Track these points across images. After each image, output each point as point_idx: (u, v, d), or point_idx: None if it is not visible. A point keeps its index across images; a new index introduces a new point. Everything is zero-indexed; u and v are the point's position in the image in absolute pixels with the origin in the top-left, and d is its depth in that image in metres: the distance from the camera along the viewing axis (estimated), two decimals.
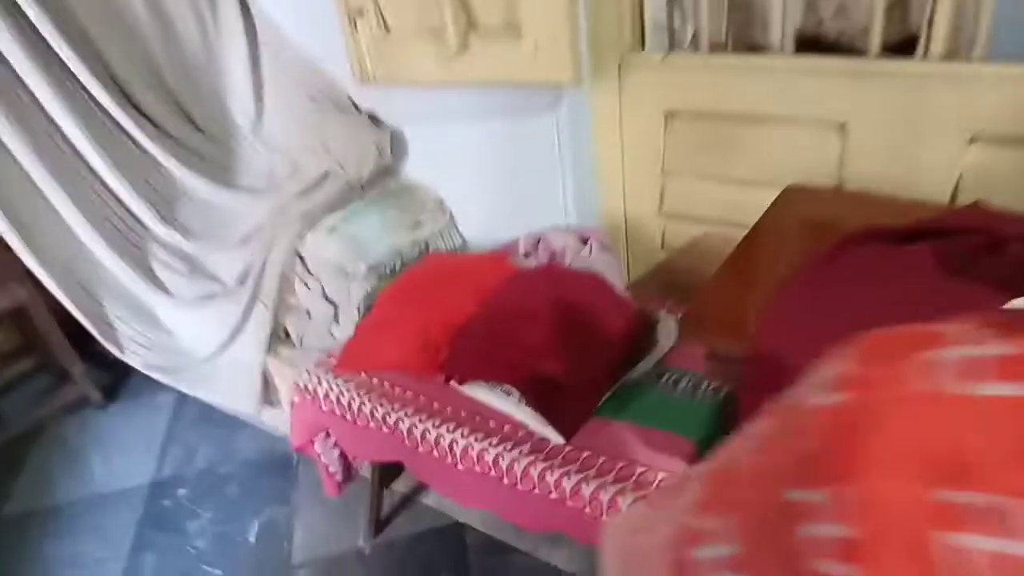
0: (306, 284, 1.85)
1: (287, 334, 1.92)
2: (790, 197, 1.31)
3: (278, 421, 2.02)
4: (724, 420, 1.26)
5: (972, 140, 1.30)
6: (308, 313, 1.86)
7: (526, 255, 1.73)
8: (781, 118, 1.47)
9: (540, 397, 1.22)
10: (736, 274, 1.10)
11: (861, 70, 1.35)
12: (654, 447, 1.22)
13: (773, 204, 1.29)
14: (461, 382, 1.35)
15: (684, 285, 1.74)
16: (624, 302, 1.41)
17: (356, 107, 1.95)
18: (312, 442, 1.62)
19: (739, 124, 1.53)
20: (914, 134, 1.35)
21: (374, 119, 1.96)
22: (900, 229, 1.09)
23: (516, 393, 1.28)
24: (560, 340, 1.25)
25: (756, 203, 1.55)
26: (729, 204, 1.61)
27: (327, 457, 1.63)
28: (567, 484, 1.19)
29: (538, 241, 1.73)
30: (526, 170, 1.79)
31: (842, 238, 1.08)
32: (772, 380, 0.96)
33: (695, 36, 1.56)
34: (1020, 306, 0.46)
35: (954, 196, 1.36)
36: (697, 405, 1.30)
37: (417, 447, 1.37)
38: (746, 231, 1.60)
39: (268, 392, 1.95)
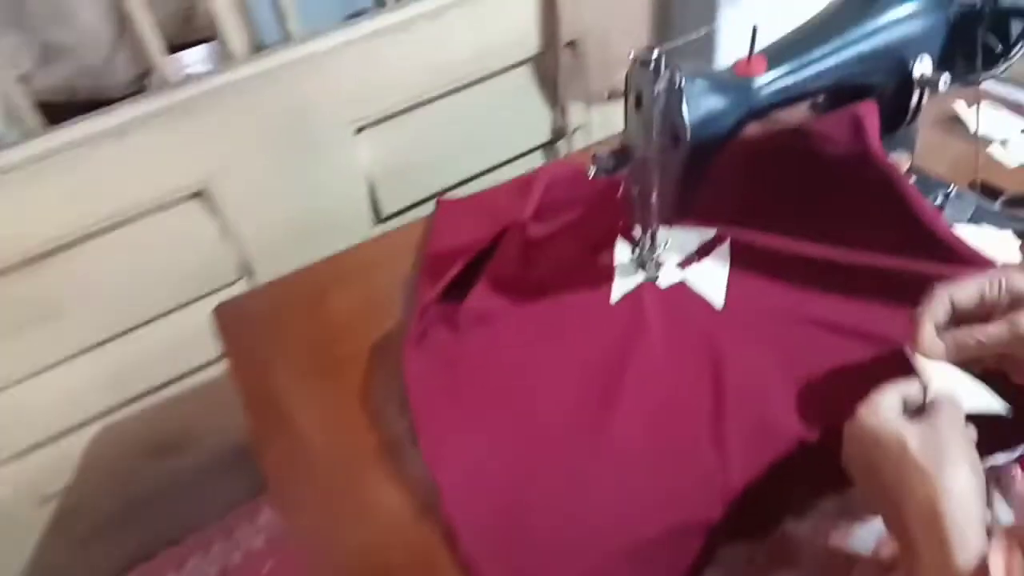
0: None
1: None
2: (236, 342, 0.67)
3: None
4: None
5: (359, 131, 0.99)
6: None
7: None
8: (97, 227, 0.87)
9: None
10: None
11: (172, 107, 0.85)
12: None
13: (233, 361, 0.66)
14: None
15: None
16: None
17: None
18: None
19: (38, 265, 0.86)
20: (297, 158, 0.96)
21: None
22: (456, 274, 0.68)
23: None
24: None
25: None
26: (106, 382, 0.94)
27: None
28: None
29: None
30: None
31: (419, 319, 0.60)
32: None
33: None
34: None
35: (373, 197, 1.04)
36: None
37: None
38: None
39: None
